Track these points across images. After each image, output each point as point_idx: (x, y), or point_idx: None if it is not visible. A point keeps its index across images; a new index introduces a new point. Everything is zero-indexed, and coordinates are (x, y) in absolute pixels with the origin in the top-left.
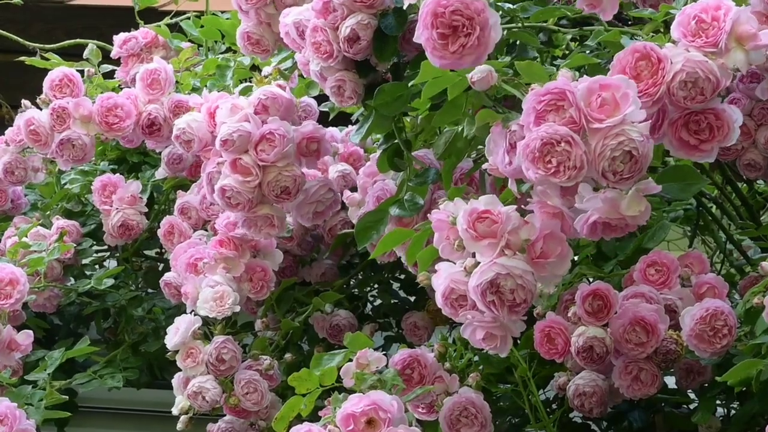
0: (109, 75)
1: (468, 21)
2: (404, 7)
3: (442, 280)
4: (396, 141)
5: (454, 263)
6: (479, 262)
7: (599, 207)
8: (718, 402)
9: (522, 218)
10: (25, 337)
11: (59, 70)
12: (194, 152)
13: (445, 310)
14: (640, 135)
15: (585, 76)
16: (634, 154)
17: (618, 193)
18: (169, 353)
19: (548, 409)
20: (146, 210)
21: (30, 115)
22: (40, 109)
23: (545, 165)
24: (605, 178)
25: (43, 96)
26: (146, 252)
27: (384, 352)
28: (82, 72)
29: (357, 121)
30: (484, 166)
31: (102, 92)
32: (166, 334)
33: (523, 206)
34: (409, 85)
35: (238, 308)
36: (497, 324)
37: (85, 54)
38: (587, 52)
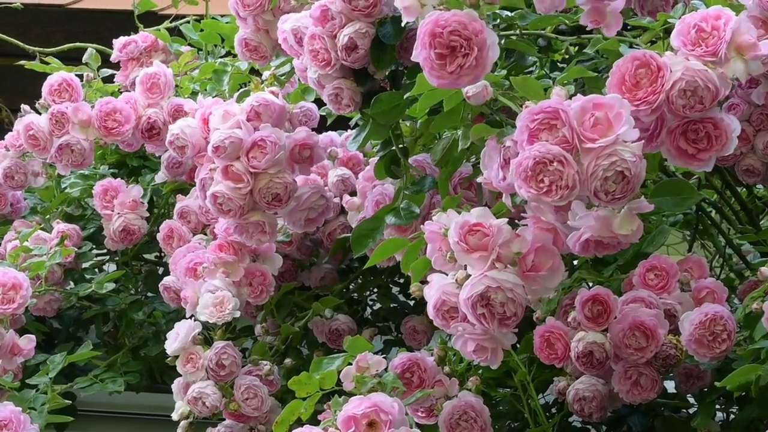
0: (108, 79)
1: (466, 42)
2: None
3: (433, 291)
4: (393, 148)
5: (447, 275)
6: (470, 275)
7: (591, 225)
8: (717, 406)
9: (514, 231)
10: (28, 342)
11: (58, 75)
12: (188, 158)
13: (436, 321)
14: (632, 155)
15: (579, 95)
16: (626, 174)
17: (610, 211)
18: (169, 358)
19: (548, 414)
20: (147, 215)
21: (29, 120)
22: (39, 114)
23: (537, 184)
24: (597, 197)
25: (42, 101)
26: (145, 256)
27: (384, 356)
28: (81, 76)
29: (356, 125)
30: (479, 179)
31: (101, 97)
32: (166, 338)
33: (517, 220)
34: (405, 96)
35: (238, 313)
36: (488, 336)
37: (85, 58)
38: (585, 61)
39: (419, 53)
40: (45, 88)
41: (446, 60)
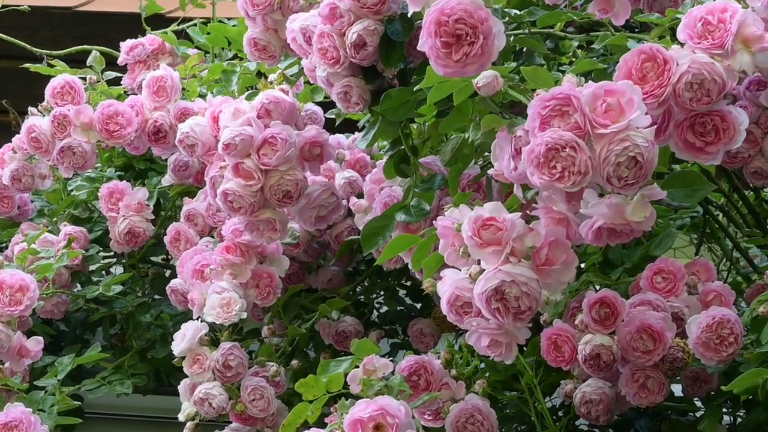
0: (115, 82)
1: (471, 30)
2: (410, 14)
3: (447, 287)
4: (402, 147)
5: (460, 270)
6: (484, 270)
7: (604, 213)
8: (724, 410)
9: (527, 225)
10: (35, 344)
11: (61, 78)
12: (198, 156)
13: (450, 316)
14: (645, 140)
15: (591, 82)
16: (638, 159)
17: (623, 198)
18: (175, 359)
19: (554, 417)
20: (153, 217)
21: (32, 123)
22: (43, 117)
23: (550, 170)
24: (610, 183)
25: (44, 103)
26: (153, 258)
27: (390, 359)
28: (85, 79)
29: (363, 127)
30: (490, 172)
31: (105, 99)
32: (173, 340)
33: (528, 212)
34: (415, 89)
35: (245, 315)
36: (502, 331)
37: (89, 61)
38: (594, 57)
39: (425, 42)
40: (48, 91)
41: (452, 48)
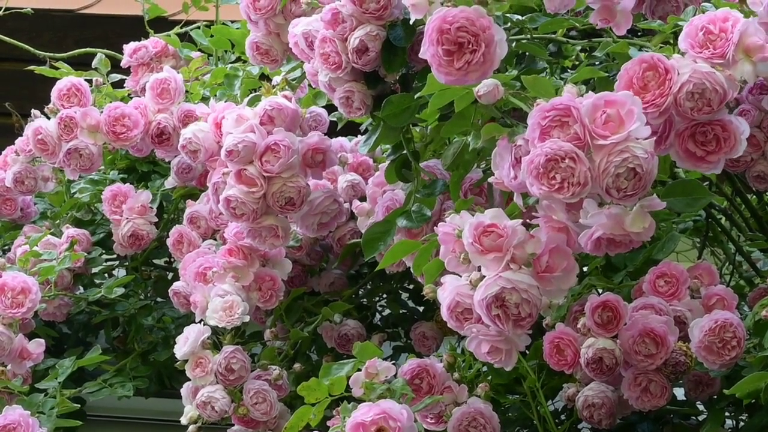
0: (118, 84)
1: (473, 38)
2: (412, 21)
3: (447, 293)
4: (404, 152)
5: (460, 276)
6: (484, 276)
7: (603, 223)
8: (726, 414)
9: (528, 232)
10: (37, 346)
11: (67, 80)
12: (200, 162)
13: (450, 323)
14: (644, 152)
15: (591, 92)
16: (638, 171)
17: (622, 209)
18: (178, 363)
19: (557, 420)
20: (156, 220)
21: (38, 125)
22: (48, 119)
23: (549, 181)
24: (609, 194)
25: (51, 105)
26: (155, 261)
27: (393, 362)
28: (90, 81)
29: (366, 130)
30: (490, 180)
31: (110, 102)
32: (175, 343)
33: (528, 220)
34: (416, 96)
35: (247, 318)
36: (502, 338)
37: (94, 63)
38: (596, 63)
39: (427, 50)
40: (54, 93)
41: (454, 56)
